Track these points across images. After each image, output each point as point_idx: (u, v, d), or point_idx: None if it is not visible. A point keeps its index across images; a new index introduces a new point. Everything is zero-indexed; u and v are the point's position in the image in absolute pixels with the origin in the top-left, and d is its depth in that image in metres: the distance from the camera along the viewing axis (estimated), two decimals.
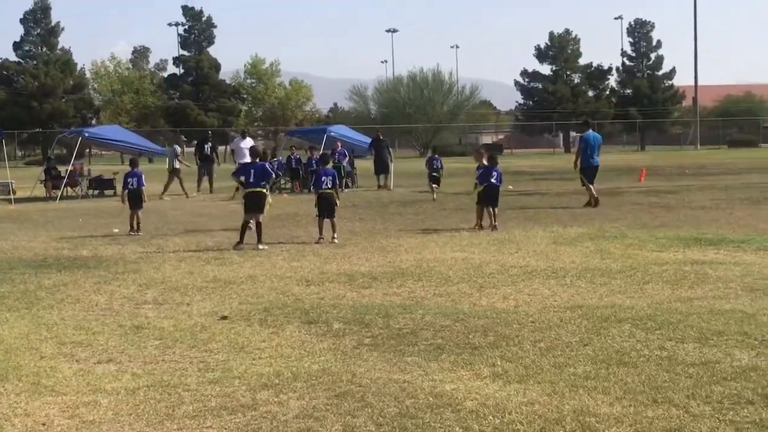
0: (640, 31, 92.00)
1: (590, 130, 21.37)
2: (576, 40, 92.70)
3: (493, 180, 16.08)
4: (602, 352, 6.79)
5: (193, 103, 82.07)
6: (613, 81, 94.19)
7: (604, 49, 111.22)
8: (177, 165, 27.16)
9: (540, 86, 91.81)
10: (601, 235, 14.44)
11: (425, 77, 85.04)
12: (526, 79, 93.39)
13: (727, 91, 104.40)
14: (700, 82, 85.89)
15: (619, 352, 6.79)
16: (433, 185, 24.36)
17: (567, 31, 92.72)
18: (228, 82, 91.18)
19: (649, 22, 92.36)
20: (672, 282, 9.85)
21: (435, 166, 25.26)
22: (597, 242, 13.50)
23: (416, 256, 12.44)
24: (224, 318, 8.48)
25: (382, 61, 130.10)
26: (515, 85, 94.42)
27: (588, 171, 20.70)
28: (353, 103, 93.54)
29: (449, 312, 8.45)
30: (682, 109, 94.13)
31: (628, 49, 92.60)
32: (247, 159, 17.03)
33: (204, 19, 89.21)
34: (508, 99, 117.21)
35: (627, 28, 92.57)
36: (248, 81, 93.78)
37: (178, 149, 28.05)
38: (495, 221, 15.72)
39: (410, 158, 67.91)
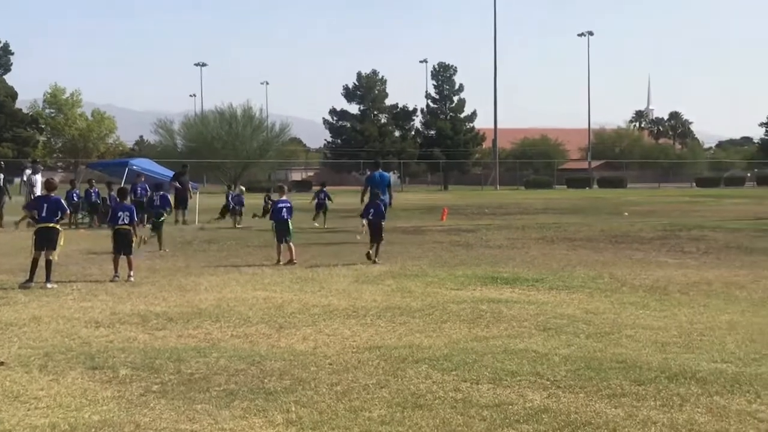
0: (443, 74, 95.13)
1: (378, 170, 22.84)
2: (383, 81, 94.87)
3: (370, 217, 16.97)
4: (398, 395, 6.69)
5: None
6: (418, 122, 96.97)
7: (410, 91, 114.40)
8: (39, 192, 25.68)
9: (348, 125, 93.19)
10: (402, 273, 14.54)
11: (234, 112, 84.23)
12: (335, 118, 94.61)
13: (524, 134, 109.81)
14: (499, 125, 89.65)
15: (415, 394, 6.72)
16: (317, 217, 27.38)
17: (374, 72, 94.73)
18: (25, 111, 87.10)
19: (452, 66, 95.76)
20: (469, 321, 9.96)
21: (320, 199, 28.04)
22: (398, 280, 13.57)
23: (216, 295, 12.05)
24: (0, 364, 7.81)
25: (190, 95, 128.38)
26: (324, 123, 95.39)
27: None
28: (159, 137, 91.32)
29: (246, 355, 8.15)
30: (482, 151, 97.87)
31: (432, 92, 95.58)
32: (39, 191, 16.12)
33: (0, 45, 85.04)
34: (317, 136, 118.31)
35: (431, 72, 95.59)
36: (47, 111, 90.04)
37: (28, 173, 26.45)
38: (375, 256, 16.33)
39: (218, 194, 66.90)
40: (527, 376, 7.26)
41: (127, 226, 14.28)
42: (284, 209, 16.82)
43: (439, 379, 7.17)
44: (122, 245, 14.10)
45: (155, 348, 8.52)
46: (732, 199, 49.38)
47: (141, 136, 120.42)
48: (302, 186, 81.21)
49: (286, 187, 18.62)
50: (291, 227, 16.85)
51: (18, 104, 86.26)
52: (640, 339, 8.85)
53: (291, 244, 16.45)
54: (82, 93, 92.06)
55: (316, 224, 26.72)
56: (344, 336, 9.14)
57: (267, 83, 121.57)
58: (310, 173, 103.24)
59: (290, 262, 16.01)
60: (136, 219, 14.97)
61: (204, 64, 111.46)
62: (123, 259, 13.98)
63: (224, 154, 77.56)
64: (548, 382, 7.05)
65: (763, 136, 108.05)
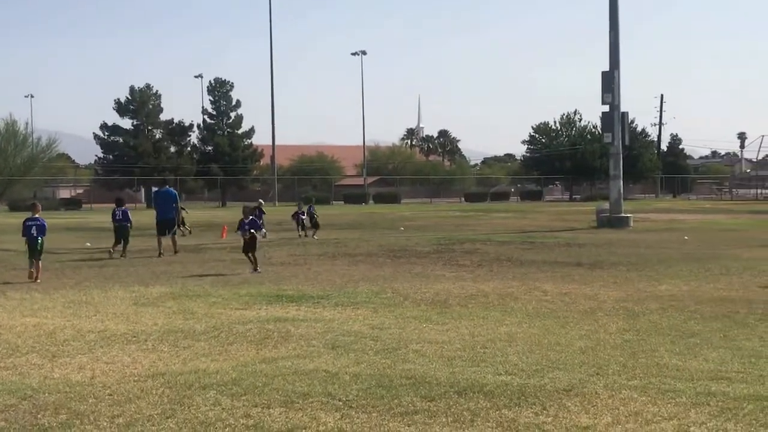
0: (220, 90, 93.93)
1: (163, 187, 24.11)
2: (157, 96, 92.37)
3: (246, 227, 18.12)
4: (186, 425, 6.36)
5: None
6: (194, 138, 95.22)
7: (186, 106, 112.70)
8: None
9: (121, 140, 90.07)
10: (184, 293, 14.07)
11: None
12: (106, 133, 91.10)
13: (302, 151, 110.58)
14: (277, 142, 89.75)
15: (204, 423, 6.41)
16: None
17: (148, 86, 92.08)
18: None
19: (229, 82, 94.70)
20: (256, 342, 9.72)
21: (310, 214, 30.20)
22: (180, 302, 13.11)
23: None
24: None
25: None
26: (95, 138, 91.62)
27: (158, 224, 22.84)
28: None
29: (16, 388, 7.52)
30: (261, 167, 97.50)
31: (209, 107, 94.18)
32: None
33: None
34: (87, 152, 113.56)
35: (207, 87, 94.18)
36: None
37: None
38: (257, 266, 17.59)
39: None
40: (319, 397, 7.12)
41: None
42: (34, 227, 16.82)
43: (228, 405, 6.89)
44: None
45: None
46: (499, 213, 51.84)
47: None
48: (71, 204, 77.76)
49: (39, 205, 18.13)
50: (41, 246, 16.78)
51: None
52: (426, 354, 8.94)
53: (39, 262, 16.56)
54: None
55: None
56: (124, 363, 8.65)
57: (32, 96, 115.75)
58: (80, 190, 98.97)
59: (34, 279, 16.08)
60: None
61: None
62: None
63: None
64: (340, 403, 6.94)
65: (524, 153, 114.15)
